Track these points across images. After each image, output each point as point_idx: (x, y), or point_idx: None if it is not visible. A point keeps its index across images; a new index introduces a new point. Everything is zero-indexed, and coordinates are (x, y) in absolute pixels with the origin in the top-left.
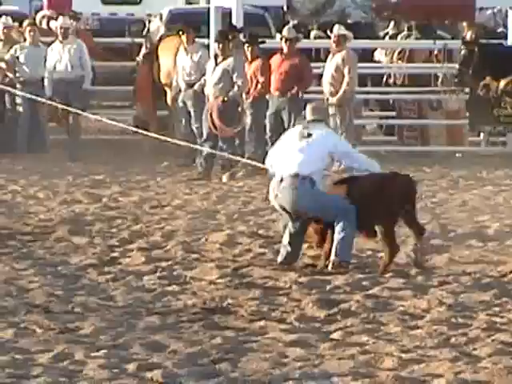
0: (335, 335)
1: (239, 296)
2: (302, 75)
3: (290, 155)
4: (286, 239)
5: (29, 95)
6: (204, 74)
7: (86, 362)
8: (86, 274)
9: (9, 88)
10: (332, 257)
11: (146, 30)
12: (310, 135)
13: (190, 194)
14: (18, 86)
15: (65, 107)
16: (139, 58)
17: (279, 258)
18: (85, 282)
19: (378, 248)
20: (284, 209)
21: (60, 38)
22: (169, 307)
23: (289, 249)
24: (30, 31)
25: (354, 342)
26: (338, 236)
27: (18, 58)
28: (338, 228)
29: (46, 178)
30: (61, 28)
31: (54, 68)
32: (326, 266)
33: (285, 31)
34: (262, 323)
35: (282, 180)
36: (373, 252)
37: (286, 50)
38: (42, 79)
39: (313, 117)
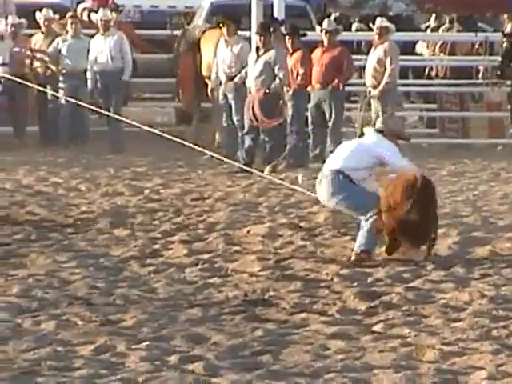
0: (376, 328)
1: (280, 288)
2: (343, 67)
3: (337, 153)
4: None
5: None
6: (244, 67)
7: (128, 354)
8: (127, 267)
9: (27, 83)
10: (354, 248)
11: (185, 22)
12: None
13: (232, 186)
14: (60, 78)
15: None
16: (174, 50)
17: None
18: (126, 275)
19: None
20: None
21: (101, 30)
22: (210, 299)
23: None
24: (71, 23)
25: (396, 335)
26: (361, 227)
27: (60, 50)
28: (363, 220)
29: (87, 170)
30: (101, 20)
31: (96, 60)
32: (349, 258)
33: (324, 23)
34: (303, 315)
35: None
36: None
37: (326, 42)
38: (85, 71)
39: (376, 126)
